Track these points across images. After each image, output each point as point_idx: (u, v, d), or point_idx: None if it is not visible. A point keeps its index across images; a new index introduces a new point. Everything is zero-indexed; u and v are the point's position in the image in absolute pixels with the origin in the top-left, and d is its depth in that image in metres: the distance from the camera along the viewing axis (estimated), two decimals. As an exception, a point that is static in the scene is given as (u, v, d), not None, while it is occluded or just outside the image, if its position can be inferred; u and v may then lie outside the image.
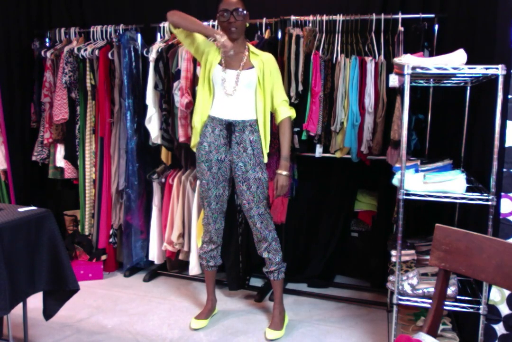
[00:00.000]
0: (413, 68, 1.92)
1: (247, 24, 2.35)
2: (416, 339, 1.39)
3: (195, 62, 2.78)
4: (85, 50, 3.08)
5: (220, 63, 2.33)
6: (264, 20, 2.85)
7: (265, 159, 2.41)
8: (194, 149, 2.46)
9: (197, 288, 3.03)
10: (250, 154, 2.34)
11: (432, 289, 2.08)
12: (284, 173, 2.35)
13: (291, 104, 2.68)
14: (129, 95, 2.98)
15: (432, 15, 2.59)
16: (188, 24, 2.26)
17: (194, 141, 2.45)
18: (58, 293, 2.11)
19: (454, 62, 1.95)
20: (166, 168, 3.15)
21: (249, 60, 2.33)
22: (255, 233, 2.43)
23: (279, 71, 2.41)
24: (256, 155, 2.35)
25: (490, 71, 1.87)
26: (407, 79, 1.94)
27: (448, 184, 1.99)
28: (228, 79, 2.29)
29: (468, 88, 2.44)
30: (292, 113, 2.42)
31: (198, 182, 2.85)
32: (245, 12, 2.26)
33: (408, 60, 1.98)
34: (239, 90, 2.30)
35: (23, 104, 3.39)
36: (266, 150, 2.41)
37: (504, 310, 1.99)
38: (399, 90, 2.45)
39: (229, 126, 2.32)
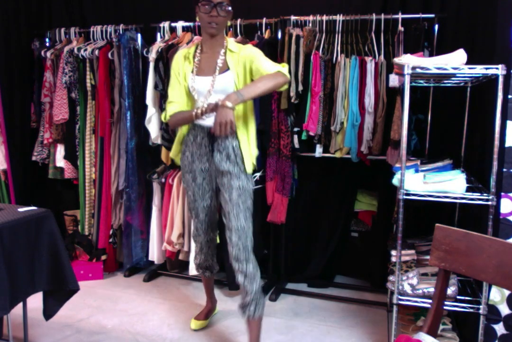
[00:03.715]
0: (413, 68, 1.92)
1: (229, 23, 2.23)
2: (416, 339, 1.39)
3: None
4: (85, 50, 3.07)
5: (193, 71, 2.15)
6: (264, 20, 2.85)
7: (250, 168, 2.15)
8: (177, 160, 2.31)
9: (197, 288, 3.03)
10: (233, 162, 2.12)
11: (432, 289, 2.08)
12: (228, 103, 1.83)
13: (290, 104, 2.69)
14: (129, 95, 2.98)
15: (432, 15, 2.58)
16: (181, 122, 2.18)
17: (174, 151, 2.29)
18: (58, 293, 2.11)
19: (454, 62, 1.95)
20: (166, 168, 3.15)
21: (225, 61, 2.10)
22: (229, 249, 2.12)
23: (260, 52, 2.09)
24: (239, 162, 2.12)
25: (490, 71, 1.87)
26: (407, 79, 1.94)
27: (448, 184, 1.99)
28: (201, 87, 2.10)
29: (468, 88, 2.44)
30: (282, 69, 1.99)
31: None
32: (229, 8, 2.06)
33: (408, 60, 1.98)
34: (216, 96, 2.05)
35: (23, 104, 3.39)
36: (251, 157, 2.16)
37: (504, 310, 1.99)
38: (399, 90, 2.45)
39: (210, 134, 2.09)
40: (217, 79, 2.08)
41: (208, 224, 2.30)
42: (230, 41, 2.16)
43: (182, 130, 2.23)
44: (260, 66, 2.01)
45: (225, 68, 2.09)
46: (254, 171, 2.85)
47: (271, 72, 1.96)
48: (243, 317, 2.11)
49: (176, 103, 2.18)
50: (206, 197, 2.25)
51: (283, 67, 2.01)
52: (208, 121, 2.09)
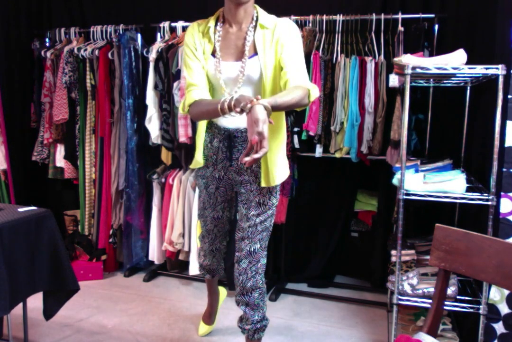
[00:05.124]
0: (413, 68, 1.92)
1: None
2: (416, 339, 1.39)
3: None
4: (85, 50, 3.08)
5: (213, 54, 1.74)
6: (264, 20, 2.84)
7: (275, 181, 1.79)
8: (197, 166, 1.93)
9: (197, 288, 3.03)
10: (256, 172, 1.80)
11: (432, 289, 2.09)
12: (263, 101, 1.42)
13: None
14: (129, 95, 2.98)
15: (432, 15, 2.59)
16: (205, 116, 1.73)
17: (199, 156, 1.88)
18: (58, 293, 2.11)
19: (454, 62, 1.95)
20: (166, 168, 3.16)
21: (254, 42, 1.70)
22: (235, 272, 1.89)
23: (297, 41, 1.71)
24: (262, 174, 1.80)
25: (490, 71, 1.88)
26: (407, 79, 1.94)
27: (448, 184, 1.99)
28: (227, 74, 1.72)
29: (468, 88, 2.44)
30: (312, 90, 1.62)
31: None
32: None
33: (408, 60, 1.98)
34: (244, 88, 1.74)
35: (23, 104, 3.40)
36: (279, 168, 1.80)
37: (503, 309, 1.99)
38: (399, 90, 2.45)
39: (229, 137, 1.79)
40: (247, 65, 1.69)
41: (216, 234, 2.07)
42: (262, 13, 1.74)
43: (199, 132, 1.87)
44: (289, 70, 1.63)
45: (254, 50, 1.71)
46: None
47: (301, 85, 1.59)
48: (242, 333, 1.96)
49: (198, 87, 1.73)
50: (218, 208, 1.98)
51: (314, 89, 1.63)
52: (229, 122, 1.77)
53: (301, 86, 1.59)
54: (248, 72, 1.71)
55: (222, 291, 2.56)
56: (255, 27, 1.71)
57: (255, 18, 1.73)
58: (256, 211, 1.81)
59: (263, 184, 1.79)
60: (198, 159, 1.90)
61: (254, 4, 1.75)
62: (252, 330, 1.90)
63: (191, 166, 1.99)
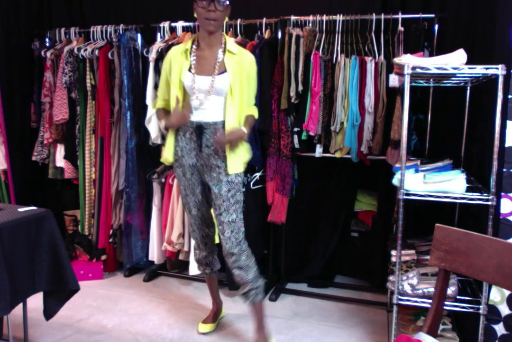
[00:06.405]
0: (413, 68, 1.92)
1: (227, 18, 2.16)
2: (416, 339, 1.39)
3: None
4: (85, 50, 3.08)
5: (190, 69, 2.14)
6: (264, 20, 2.85)
7: (236, 168, 2.18)
8: (167, 163, 2.30)
9: (197, 288, 3.03)
10: (222, 157, 2.16)
11: (432, 289, 2.08)
12: (244, 129, 2.12)
13: (290, 104, 2.70)
14: (129, 95, 2.98)
15: (432, 15, 2.58)
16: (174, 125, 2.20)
17: (168, 154, 2.24)
18: (58, 293, 2.11)
19: (454, 62, 1.95)
20: (166, 169, 3.15)
21: (223, 62, 2.12)
22: (222, 243, 2.20)
23: (255, 75, 2.23)
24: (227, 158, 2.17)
25: (490, 71, 1.88)
26: (407, 79, 1.94)
27: (448, 184, 1.99)
28: (199, 87, 2.11)
29: (468, 88, 2.44)
30: (252, 112, 2.27)
31: None
32: (227, 2, 2.04)
33: (408, 60, 1.98)
34: (214, 97, 2.13)
35: (23, 104, 3.39)
36: (237, 157, 2.18)
37: (504, 310, 1.99)
38: (399, 90, 2.45)
39: (199, 129, 2.15)
40: (216, 80, 2.10)
41: (201, 219, 2.34)
42: (229, 41, 2.17)
43: (172, 130, 2.23)
44: (249, 102, 2.22)
45: (223, 69, 2.12)
46: (254, 171, 2.86)
47: (251, 115, 2.24)
48: (245, 302, 2.24)
49: (161, 98, 2.30)
50: (197, 192, 2.28)
51: (256, 112, 2.28)
52: (196, 116, 2.14)
53: (252, 115, 2.25)
54: (217, 85, 2.11)
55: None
56: (224, 50, 2.13)
57: (223, 43, 2.14)
58: (227, 187, 2.17)
59: (230, 171, 2.16)
60: (166, 155, 2.24)
61: (223, 33, 2.19)
62: (253, 291, 2.19)
63: (163, 160, 2.30)
